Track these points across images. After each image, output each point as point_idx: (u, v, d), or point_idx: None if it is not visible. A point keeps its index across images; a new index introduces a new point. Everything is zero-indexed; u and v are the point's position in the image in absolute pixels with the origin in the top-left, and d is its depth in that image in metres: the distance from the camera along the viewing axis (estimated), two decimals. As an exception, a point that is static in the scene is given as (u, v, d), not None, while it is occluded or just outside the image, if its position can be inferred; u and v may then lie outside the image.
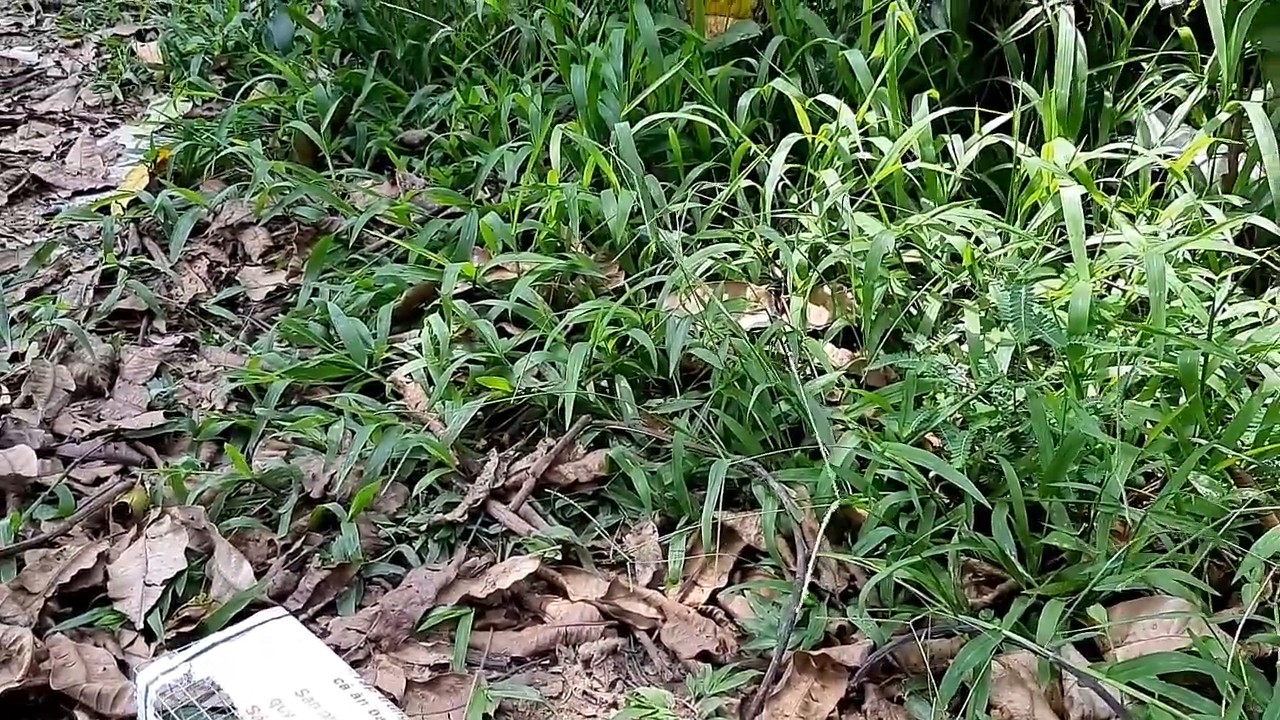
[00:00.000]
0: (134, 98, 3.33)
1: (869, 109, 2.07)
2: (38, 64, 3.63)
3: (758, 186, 2.09)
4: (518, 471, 1.70)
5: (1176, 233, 1.86)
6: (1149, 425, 1.49)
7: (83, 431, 1.90)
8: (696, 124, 2.26)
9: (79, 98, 3.34)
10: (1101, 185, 2.08)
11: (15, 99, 3.36)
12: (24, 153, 3.00)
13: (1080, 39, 2.10)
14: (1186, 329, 1.64)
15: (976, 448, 1.56)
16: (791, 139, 2.05)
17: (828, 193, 1.97)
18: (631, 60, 2.36)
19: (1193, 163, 2.06)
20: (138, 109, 3.26)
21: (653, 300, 1.93)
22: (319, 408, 1.88)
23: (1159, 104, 2.27)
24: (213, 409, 1.91)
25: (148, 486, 1.73)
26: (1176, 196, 1.96)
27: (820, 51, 2.37)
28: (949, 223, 1.89)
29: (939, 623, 1.35)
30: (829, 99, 2.09)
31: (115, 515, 1.66)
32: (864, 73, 2.11)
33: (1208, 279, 1.83)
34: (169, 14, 3.86)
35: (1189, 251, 1.87)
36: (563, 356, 1.81)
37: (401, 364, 1.91)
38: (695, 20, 2.44)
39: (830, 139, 2.03)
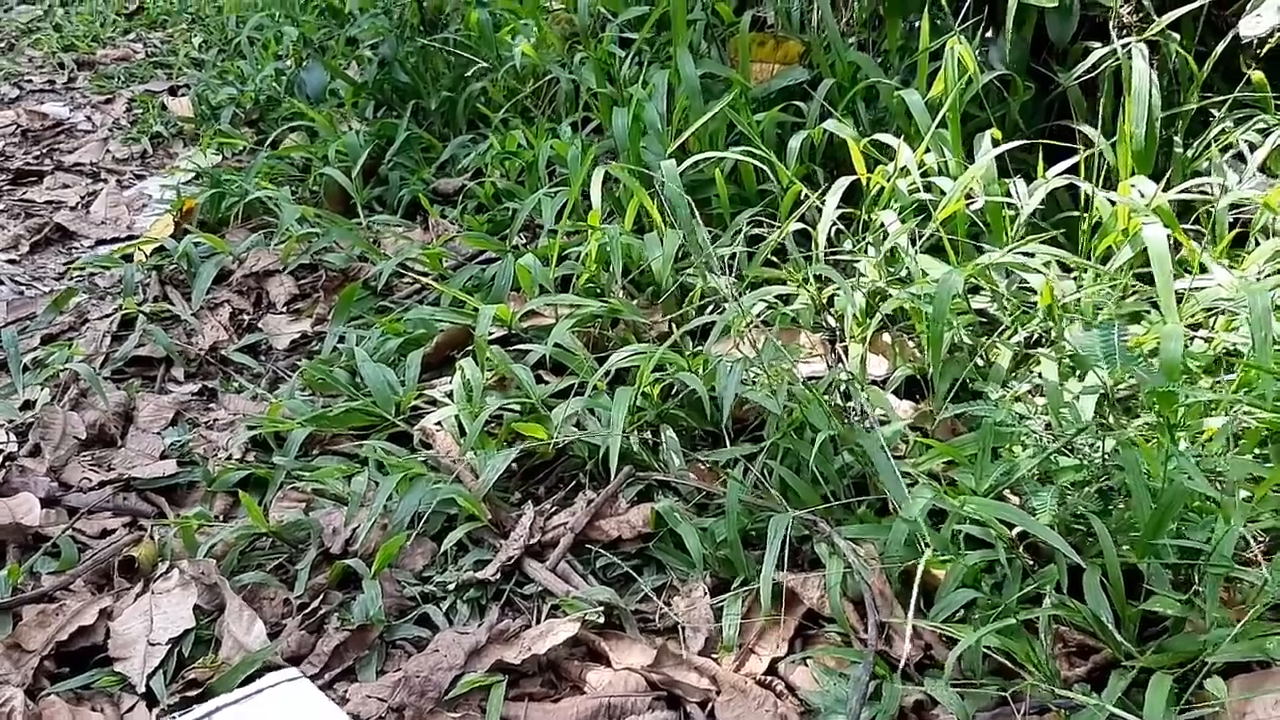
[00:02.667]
0: (163, 150, 3.28)
1: (927, 150, 1.96)
2: (69, 119, 3.59)
3: (809, 230, 1.97)
4: (555, 526, 1.57)
5: (1266, 279, 1.72)
6: (1252, 479, 1.35)
7: (91, 481, 1.78)
8: (743, 168, 2.16)
9: (107, 150, 3.29)
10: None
11: (44, 151, 3.31)
12: (49, 202, 2.93)
13: (1153, 76, 1.99)
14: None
15: (1061, 504, 1.42)
16: (845, 180, 1.94)
17: (886, 235, 1.86)
18: (675, 104, 2.27)
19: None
20: (166, 161, 3.20)
21: (699, 347, 1.81)
22: (342, 458, 1.76)
23: (1230, 151, 2.15)
24: (229, 458, 1.79)
25: (156, 539, 1.60)
26: (1258, 243, 1.83)
27: (871, 96, 2.28)
28: (1022, 263, 1.76)
29: (1034, 697, 1.19)
30: (887, 138, 1.98)
31: (121, 569, 1.54)
32: (921, 112, 2.01)
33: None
34: (202, 69, 3.83)
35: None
36: (604, 404, 1.68)
37: (431, 412, 1.79)
38: (741, 66, 2.35)
39: (888, 180, 1.92)
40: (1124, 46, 1.99)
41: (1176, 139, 2.16)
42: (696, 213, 1.89)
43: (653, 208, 1.97)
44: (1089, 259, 1.88)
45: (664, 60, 2.52)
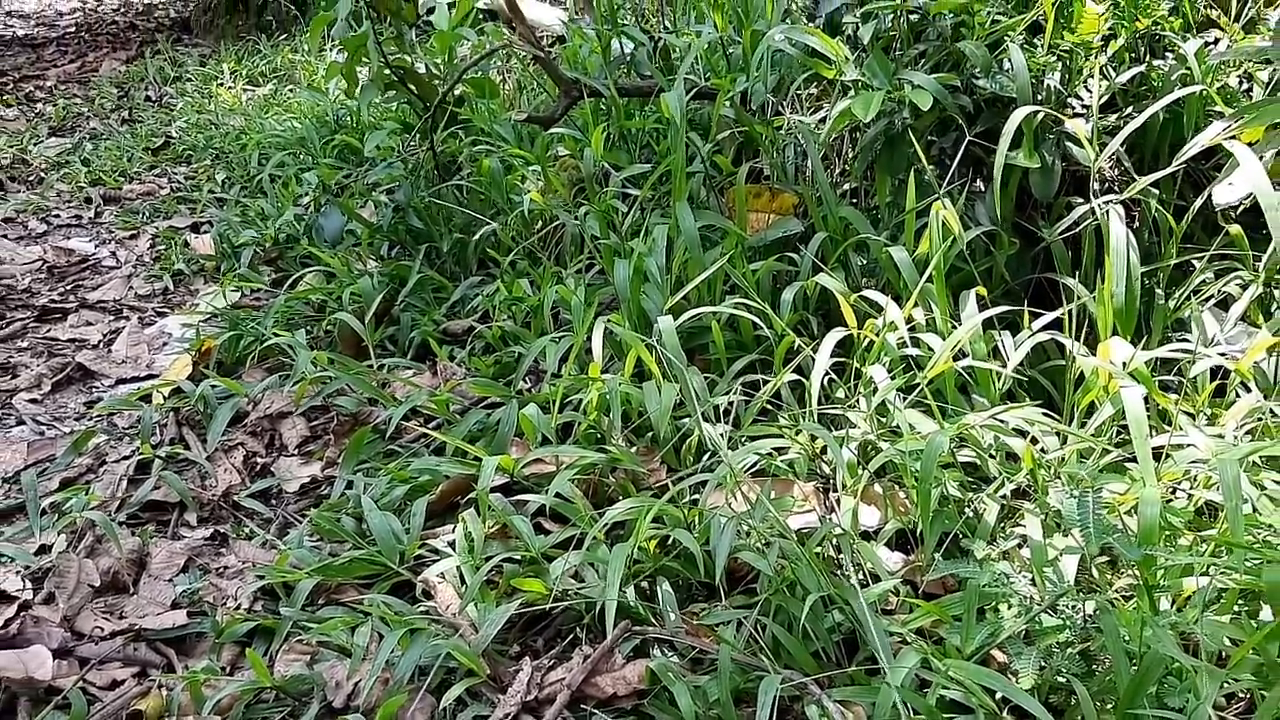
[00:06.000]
0: (184, 287, 3.39)
1: (914, 304, 2.04)
2: (94, 254, 3.72)
3: (803, 380, 2.04)
4: (552, 683, 1.60)
5: (1243, 434, 1.78)
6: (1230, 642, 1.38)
7: (103, 630, 1.83)
8: (740, 317, 2.24)
9: (131, 287, 3.40)
10: (1158, 384, 2.01)
11: (69, 288, 3.43)
12: (72, 340, 3.03)
13: (1131, 237, 2.08)
14: (1263, 538, 1.54)
15: (1044, 665, 1.45)
16: (836, 334, 2.01)
17: (875, 389, 1.92)
18: (674, 254, 2.37)
19: (1254, 363, 2.00)
20: (187, 298, 3.31)
21: (696, 496, 1.86)
22: (346, 609, 1.81)
23: (1212, 301, 2.22)
24: (237, 608, 1.84)
25: (164, 692, 1.64)
26: (1238, 396, 1.89)
27: (863, 247, 2.37)
28: (1004, 423, 1.82)
29: None
30: (874, 294, 2.06)
31: (128, 723, 1.58)
32: (909, 269, 2.09)
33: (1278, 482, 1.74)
34: (224, 208, 3.97)
35: (1259, 455, 1.79)
36: (602, 556, 1.73)
37: (434, 561, 1.84)
38: (737, 217, 2.46)
39: (877, 334, 2.00)
40: (1103, 206, 2.08)
41: (1158, 291, 2.24)
42: (691, 364, 1.96)
43: (650, 361, 2.04)
44: (1074, 413, 1.94)
45: (665, 209, 2.63)
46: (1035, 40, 2.39)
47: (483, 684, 1.61)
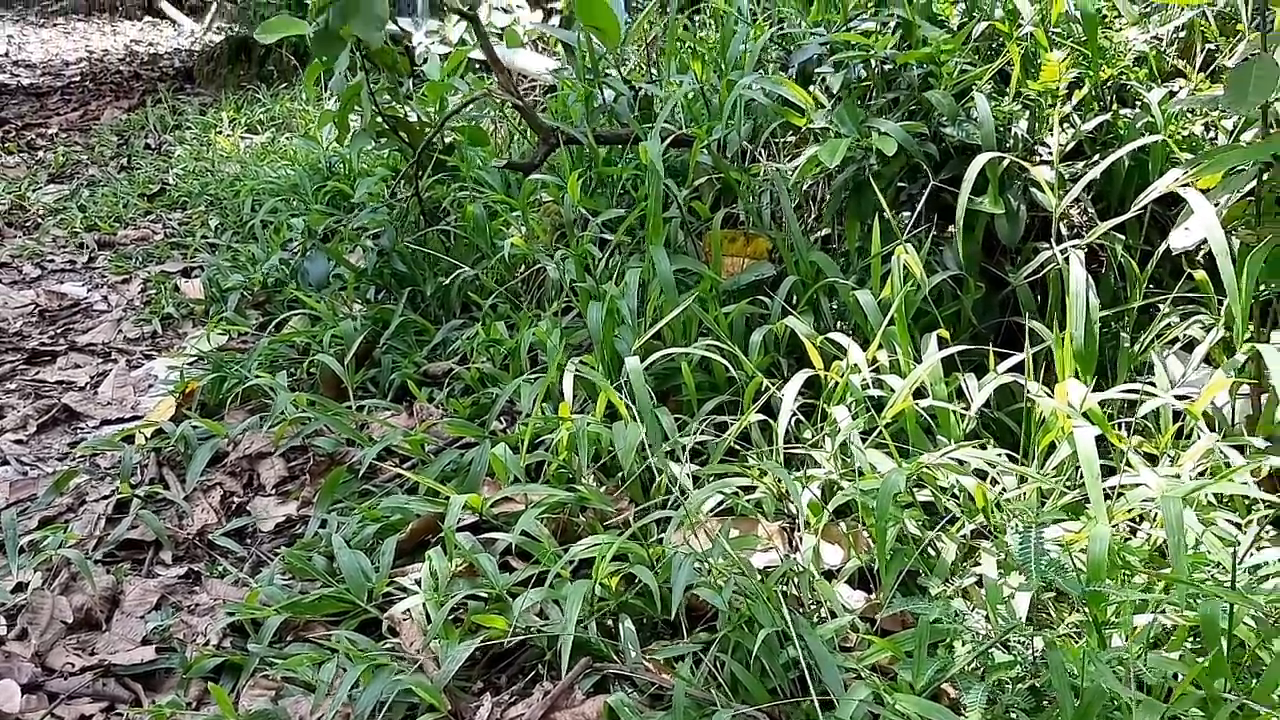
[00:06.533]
0: (173, 331, 3.44)
1: (879, 347, 2.08)
2: (86, 298, 3.77)
3: (771, 422, 2.07)
4: (512, 718, 1.62)
5: (1199, 475, 1.80)
6: (1177, 678, 1.40)
7: (74, 666, 1.85)
8: (712, 360, 2.28)
9: (120, 330, 3.45)
10: (1122, 426, 2.04)
11: (59, 331, 3.47)
12: (59, 382, 3.07)
13: (1092, 281, 2.12)
14: (1212, 576, 1.56)
15: (995, 700, 1.47)
16: (803, 375, 2.05)
17: (839, 429, 1.95)
18: (649, 297, 2.41)
19: (1215, 405, 2.03)
20: (175, 341, 3.35)
21: (662, 534, 1.88)
22: (314, 645, 1.83)
23: (1178, 345, 2.26)
24: (206, 644, 1.86)
25: (129, 726, 1.66)
26: (1199, 438, 1.92)
27: (835, 291, 2.41)
28: (962, 462, 1.85)
29: None
30: (839, 337, 2.10)
31: (91, 758, 1.59)
32: (874, 312, 2.13)
33: (1235, 523, 1.77)
34: (216, 253, 4.03)
35: (1214, 495, 1.81)
36: (566, 593, 1.75)
37: (402, 598, 1.86)
38: (713, 262, 2.50)
39: (841, 376, 2.03)
40: (1063, 252, 2.12)
41: (1124, 334, 2.27)
42: (664, 405, 2.00)
43: (618, 401, 2.07)
44: (1034, 452, 1.97)
45: (643, 253, 2.68)
46: (1005, 89, 2.45)
47: (444, 720, 1.63)
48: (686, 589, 1.66)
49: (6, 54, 10.26)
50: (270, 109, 6.41)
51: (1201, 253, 2.24)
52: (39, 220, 4.73)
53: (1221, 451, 1.78)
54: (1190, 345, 2.23)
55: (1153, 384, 2.05)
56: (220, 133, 5.98)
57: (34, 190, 5.20)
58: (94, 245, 4.33)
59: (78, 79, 8.81)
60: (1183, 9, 2.53)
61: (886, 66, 2.52)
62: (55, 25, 12.35)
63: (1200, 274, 2.22)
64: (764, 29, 2.75)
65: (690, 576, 1.68)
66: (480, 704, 1.64)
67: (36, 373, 3.14)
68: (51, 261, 4.19)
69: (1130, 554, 1.69)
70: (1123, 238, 2.31)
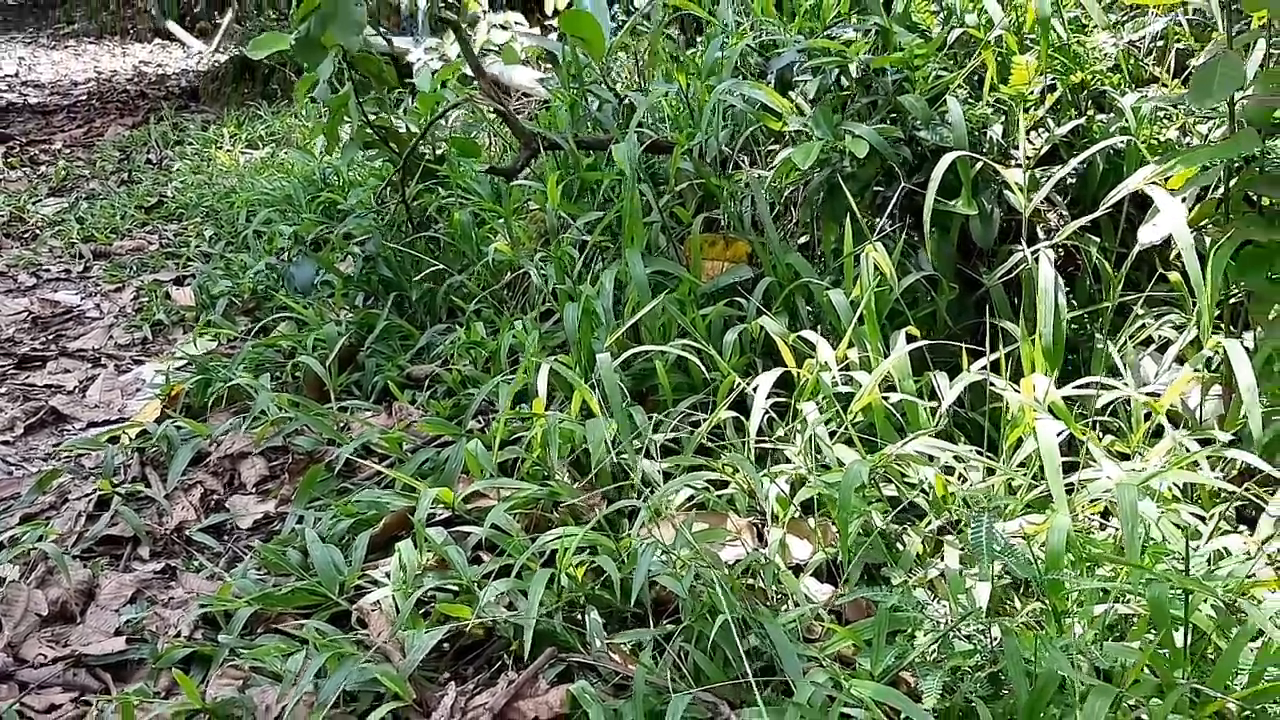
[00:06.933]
0: (163, 337, 3.46)
1: (850, 345, 2.09)
2: (79, 306, 3.80)
3: (745, 420, 2.09)
4: (475, 707, 1.63)
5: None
6: (1132, 665, 1.40)
7: (46, 657, 1.86)
8: (689, 360, 2.29)
9: (111, 337, 3.48)
10: (1095, 424, 2.05)
11: (50, 338, 3.50)
12: (48, 386, 3.09)
13: (1063, 282, 2.13)
14: (1171, 566, 1.57)
15: (955, 688, 1.47)
16: (774, 373, 2.06)
17: (809, 425, 1.96)
18: (627, 298, 2.43)
19: (1187, 405, 2.04)
20: (165, 347, 3.38)
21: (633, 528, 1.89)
22: (284, 636, 1.84)
23: (1153, 346, 2.27)
24: (177, 636, 1.87)
25: (99, 715, 1.67)
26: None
27: (810, 293, 2.43)
28: (932, 458, 1.86)
29: None
30: (810, 335, 2.12)
31: (58, 744, 1.60)
32: (846, 311, 2.15)
33: (1200, 516, 1.77)
34: (209, 261, 4.06)
35: (1178, 489, 1.82)
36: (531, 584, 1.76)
37: (371, 591, 1.87)
38: (692, 264, 2.52)
39: (812, 373, 2.04)
40: (1034, 252, 2.14)
41: (1098, 334, 2.29)
42: (634, 399, 2.01)
43: (591, 399, 2.09)
44: (1003, 447, 1.97)
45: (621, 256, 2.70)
46: (981, 94, 2.47)
47: (409, 708, 1.64)
48: (650, 579, 1.67)
49: (16, 74, 10.35)
50: (271, 125, 6.46)
51: (1174, 254, 2.26)
52: (37, 231, 4.77)
53: (1186, 447, 1.79)
54: (1165, 346, 2.24)
55: (1121, 380, 2.06)
56: (221, 148, 6.03)
57: (34, 203, 5.25)
58: (89, 255, 4.37)
59: (84, 98, 8.89)
60: (1159, 15, 2.55)
61: (862, 72, 2.55)
62: (66, 47, 12.44)
63: (1175, 275, 2.23)
64: (744, 36, 2.78)
65: (655, 567, 1.69)
66: (445, 693, 1.65)
67: (26, 377, 3.16)
68: (47, 271, 4.22)
69: (1095, 546, 1.70)
70: (1098, 240, 2.33)
